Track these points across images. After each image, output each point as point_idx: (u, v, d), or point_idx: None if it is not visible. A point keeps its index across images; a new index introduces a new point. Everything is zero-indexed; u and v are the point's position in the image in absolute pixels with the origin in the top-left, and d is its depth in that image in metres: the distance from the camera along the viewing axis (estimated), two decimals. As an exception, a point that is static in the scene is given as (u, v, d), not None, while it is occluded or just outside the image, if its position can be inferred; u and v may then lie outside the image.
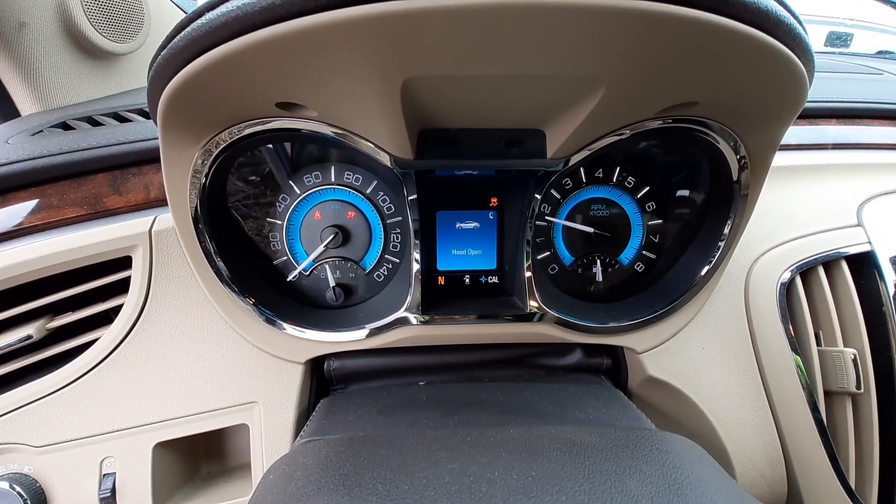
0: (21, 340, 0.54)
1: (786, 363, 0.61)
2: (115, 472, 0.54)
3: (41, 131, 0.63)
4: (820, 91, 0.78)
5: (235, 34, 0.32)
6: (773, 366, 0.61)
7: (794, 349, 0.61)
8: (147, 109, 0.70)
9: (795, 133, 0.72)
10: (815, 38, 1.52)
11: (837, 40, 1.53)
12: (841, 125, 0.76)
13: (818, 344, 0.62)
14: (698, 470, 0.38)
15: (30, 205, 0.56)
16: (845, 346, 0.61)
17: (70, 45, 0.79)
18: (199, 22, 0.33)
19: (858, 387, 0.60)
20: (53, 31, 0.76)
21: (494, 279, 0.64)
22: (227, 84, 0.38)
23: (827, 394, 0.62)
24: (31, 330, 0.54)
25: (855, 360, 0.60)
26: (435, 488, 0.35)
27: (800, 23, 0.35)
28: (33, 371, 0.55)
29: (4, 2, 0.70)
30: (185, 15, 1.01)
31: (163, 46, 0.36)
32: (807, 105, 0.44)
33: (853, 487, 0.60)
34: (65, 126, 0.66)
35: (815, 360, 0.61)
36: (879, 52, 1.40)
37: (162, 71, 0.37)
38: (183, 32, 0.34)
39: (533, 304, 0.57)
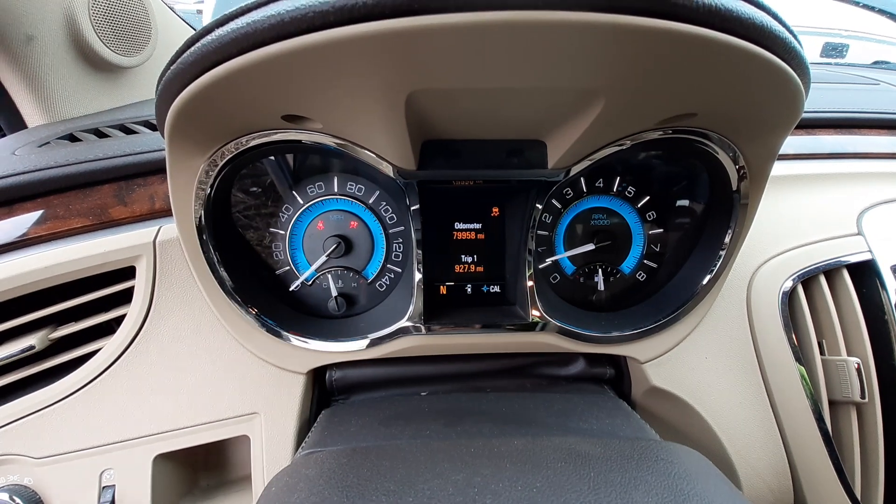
0: (23, 351, 0.54)
1: (789, 372, 0.60)
2: (114, 485, 0.54)
3: (48, 143, 0.64)
4: (817, 101, 0.78)
5: (244, 50, 0.33)
6: (776, 375, 0.61)
7: (798, 358, 0.60)
8: (153, 121, 0.71)
9: (793, 142, 0.73)
10: (811, 49, 1.54)
11: (833, 51, 1.55)
12: (839, 135, 0.77)
13: (821, 353, 0.62)
14: (704, 481, 0.37)
15: (35, 215, 0.56)
16: (848, 354, 0.61)
17: (77, 58, 0.80)
18: (208, 38, 0.34)
19: (863, 396, 0.59)
20: (61, 44, 0.77)
21: (496, 288, 0.64)
22: (234, 98, 0.39)
23: (831, 403, 0.61)
24: (34, 340, 0.54)
25: (859, 369, 0.59)
26: (439, 500, 0.35)
27: (795, 37, 0.36)
28: (35, 382, 0.55)
29: (13, 15, 0.71)
30: (191, 29, 1.03)
31: (172, 61, 0.37)
32: (805, 115, 0.45)
33: (859, 497, 0.60)
34: (71, 138, 0.66)
35: (819, 370, 0.61)
36: (875, 63, 1.41)
37: (171, 85, 0.38)
38: (193, 48, 0.35)
39: (535, 313, 0.57)
